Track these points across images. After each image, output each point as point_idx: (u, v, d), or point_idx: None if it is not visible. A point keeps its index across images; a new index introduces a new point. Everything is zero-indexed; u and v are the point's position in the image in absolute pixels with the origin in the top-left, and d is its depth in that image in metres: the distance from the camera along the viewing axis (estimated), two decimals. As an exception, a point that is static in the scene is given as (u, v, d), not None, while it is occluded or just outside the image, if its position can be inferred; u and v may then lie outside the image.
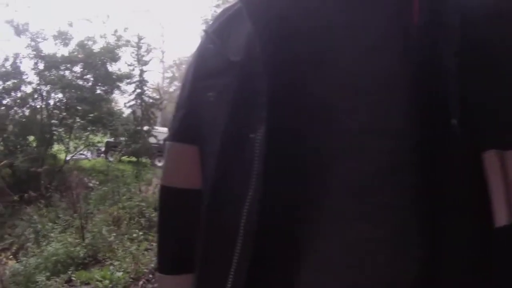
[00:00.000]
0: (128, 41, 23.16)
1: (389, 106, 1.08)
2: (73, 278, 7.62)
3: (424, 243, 1.04)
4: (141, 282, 7.34)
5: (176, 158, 1.41)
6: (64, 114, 19.67)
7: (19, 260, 9.22)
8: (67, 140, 17.69)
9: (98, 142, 21.22)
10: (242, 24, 1.20)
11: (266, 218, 1.09)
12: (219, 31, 1.30)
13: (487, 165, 1.01)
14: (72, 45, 21.85)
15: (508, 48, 1.09)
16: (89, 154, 20.82)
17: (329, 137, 1.10)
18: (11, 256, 9.75)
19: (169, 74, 47.08)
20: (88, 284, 7.18)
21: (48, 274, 7.95)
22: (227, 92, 1.21)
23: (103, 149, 23.69)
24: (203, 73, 1.33)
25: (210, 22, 1.41)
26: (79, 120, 17.36)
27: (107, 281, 6.96)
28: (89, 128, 19.79)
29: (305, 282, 1.10)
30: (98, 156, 20.25)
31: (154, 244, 8.92)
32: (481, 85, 1.04)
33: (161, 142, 20.91)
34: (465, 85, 1.01)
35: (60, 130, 16.71)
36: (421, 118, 1.05)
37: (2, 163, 15.04)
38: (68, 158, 19.50)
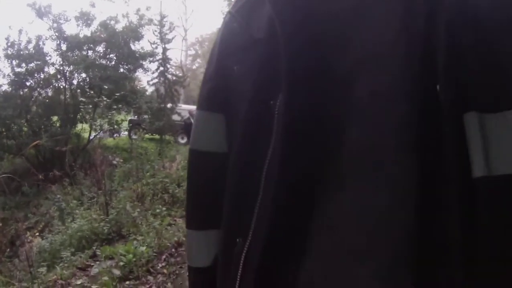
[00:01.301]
0: (150, 20, 23.30)
1: (392, 77, 1.17)
2: (97, 253, 7.69)
3: (420, 194, 1.13)
4: (164, 256, 7.37)
5: (204, 124, 1.55)
6: (91, 92, 19.75)
7: (44, 238, 9.31)
8: (91, 119, 17.77)
9: (122, 120, 21.36)
10: (263, 6, 1.32)
11: (284, 177, 1.20)
12: (242, 11, 1.42)
13: (467, 125, 1.12)
14: (95, 25, 21.99)
15: (497, 17, 1.16)
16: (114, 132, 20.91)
17: (343, 107, 1.19)
18: (37, 234, 9.85)
19: (192, 52, 47.22)
20: (112, 258, 7.22)
21: (73, 250, 8.05)
22: (250, 65, 1.33)
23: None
24: (228, 49, 1.45)
25: (234, 3, 1.50)
26: (105, 99, 17.45)
27: (130, 255, 6.97)
28: (114, 107, 19.88)
29: (317, 234, 1.21)
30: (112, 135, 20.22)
31: (177, 219, 9.04)
32: (467, 55, 1.13)
33: (185, 119, 20.97)
34: (452, 55, 1.12)
35: (85, 107, 16.80)
36: (417, 85, 1.14)
37: (31, 145, 15.16)
38: (92, 137, 19.69)
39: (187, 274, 1.63)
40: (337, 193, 1.19)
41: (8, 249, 8.93)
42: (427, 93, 1.13)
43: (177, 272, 6.94)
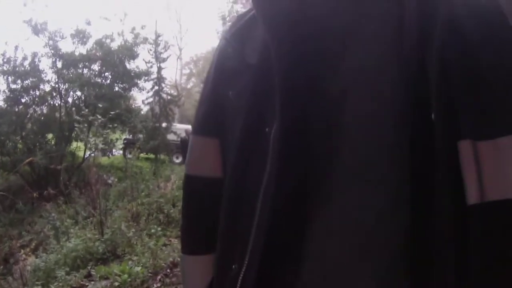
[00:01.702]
0: (145, 39, 23.33)
1: (388, 100, 1.22)
2: (92, 273, 7.65)
3: (412, 214, 1.17)
4: (159, 277, 7.34)
5: (199, 149, 1.57)
6: (86, 111, 19.76)
7: (38, 256, 9.27)
8: (85, 137, 17.76)
9: (117, 139, 21.24)
10: (257, 28, 1.36)
11: (280, 200, 1.23)
12: (237, 36, 1.46)
13: (462, 152, 1.15)
14: (90, 43, 22.03)
15: (488, 46, 1.21)
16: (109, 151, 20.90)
17: (335, 125, 1.24)
18: (30, 253, 9.81)
19: (187, 71, 47.31)
20: (107, 278, 7.19)
21: (67, 269, 7.99)
22: (245, 91, 1.35)
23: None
24: (223, 74, 1.48)
25: (229, 27, 1.55)
26: (100, 117, 17.47)
27: (125, 276, 6.97)
28: (109, 125, 19.89)
29: (311, 256, 1.25)
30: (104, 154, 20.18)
31: (172, 239, 9.02)
32: (460, 85, 1.17)
33: (180, 138, 20.96)
34: (446, 85, 1.16)
35: (80, 126, 16.77)
36: (411, 111, 1.18)
37: (25, 162, 15.13)
38: (86, 155, 19.57)
39: None
40: (330, 210, 1.24)
41: (2, 267, 8.90)
42: (418, 120, 1.17)
43: (172, 293, 6.84)
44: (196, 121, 1.58)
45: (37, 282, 7.77)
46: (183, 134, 20.35)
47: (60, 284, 7.30)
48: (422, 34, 1.19)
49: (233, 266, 1.31)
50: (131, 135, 22.96)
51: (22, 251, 9.91)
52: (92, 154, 18.22)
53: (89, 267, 7.94)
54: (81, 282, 7.36)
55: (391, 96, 1.21)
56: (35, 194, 12.67)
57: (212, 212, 1.45)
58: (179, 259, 8.01)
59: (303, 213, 1.25)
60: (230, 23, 1.60)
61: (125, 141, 23.78)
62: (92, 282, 7.28)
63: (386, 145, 1.21)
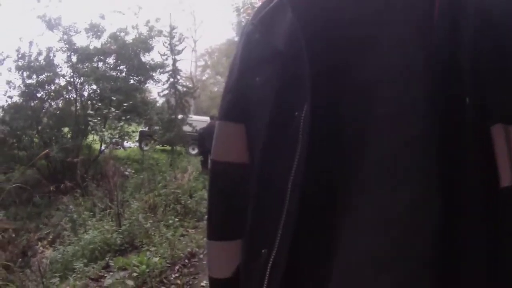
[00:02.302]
0: (160, 31, 23.38)
1: (417, 89, 1.17)
2: (110, 264, 7.69)
3: (443, 204, 1.13)
4: (177, 267, 7.45)
5: (225, 135, 1.55)
6: (99, 104, 19.82)
7: (56, 249, 9.29)
8: (101, 130, 17.80)
9: (133, 131, 21.20)
10: (284, 14, 1.33)
11: (309, 186, 1.21)
12: (264, 22, 1.42)
13: (494, 136, 1.13)
14: (105, 37, 22.10)
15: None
16: (126, 144, 20.97)
17: (365, 115, 1.19)
18: (48, 245, 9.82)
19: (202, 63, 47.31)
20: (125, 269, 7.22)
21: (85, 261, 8.01)
22: (273, 77, 1.33)
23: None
24: (250, 60, 1.45)
25: (254, 13, 1.51)
26: (114, 110, 17.49)
27: (144, 266, 7.00)
28: (123, 118, 19.96)
29: (341, 247, 1.19)
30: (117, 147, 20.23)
31: (190, 230, 9.05)
32: (492, 69, 1.15)
33: (198, 130, 21.01)
34: (479, 68, 1.13)
35: (95, 120, 16.81)
36: (442, 98, 1.15)
37: (40, 155, 15.18)
38: (103, 148, 19.62)
39: (208, 284, 1.61)
40: (361, 202, 1.18)
41: (20, 259, 8.90)
42: (451, 107, 1.15)
43: (190, 282, 6.97)
44: (223, 108, 1.57)
45: (55, 274, 7.79)
46: (199, 126, 20.39)
47: (79, 275, 7.32)
48: (453, 21, 1.17)
49: (263, 251, 1.29)
50: (147, 127, 23.05)
51: (40, 244, 9.91)
52: (109, 147, 18.29)
53: (107, 259, 7.98)
54: (99, 274, 7.39)
55: (421, 85, 1.17)
56: (52, 188, 12.71)
57: (238, 197, 1.45)
58: (197, 249, 8.13)
59: (333, 203, 1.22)
60: (255, 9, 1.55)
61: (141, 133, 23.83)
62: (111, 273, 7.30)
63: (417, 134, 1.16)
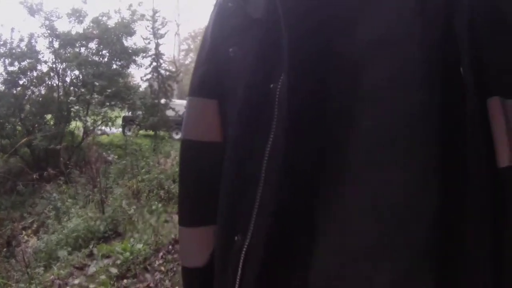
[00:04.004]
0: (143, 15, 23.16)
1: (409, 62, 1.10)
2: (94, 252, 7.69)
3: (439, 184, 1.07)
4: (161, 253, 7.40)
5: (196, 112, 1.45)
6: (82, 90, 19.71)
7: (40, 238, 9.30)
8: (84, 116, 17.70)
9: (116, 117, 21.17)
10: None
11: (288, 166, 1.12)
12: None
13: (491, 110, 1.07)
14: (87, 22, 21.90)
15: None
16: (107, 129, 20.87)
17: (353, 89, 1.12)
18: (32, 234, 9.83)
19: (185, 47, 47.03)
20: (109, 257, 7.23)
21: (69, 249, 8.04)
22: (248, 47, 1.24)
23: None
24: (223, 31, 1.36)
25: None
26: (96, 96, 17.39)
27: (127, 253, 6.99)
28: (106, 104, 19.85)
29: (328, 229, 1.12)
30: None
31: (174, 215, 9.03)
32: (488, 41, 1.09)
33: (182, 114, 20.95)
34: (474, 40, 1.06)
35: (77, 107, 16.73)
36: (438, 72, 1.09)
37: (20, 142, 15.11)
38: (86, 134, 19.48)
39: (181, 275, 1.53)
40: (345, 186, 1.11)
41: (5, 249, 8.91)
42: (447, 77, 1.09)
43: (174, 269, 6.94)
44: (194, 83, 1.46)
45: (39, 263, 7.80)
46: (182, 111, 20.33)
47: (63, 264, 7.35)
48: None
49: (235, 238, 1.20)
50: (130, 112, 22.89)
51: (24, 233, 9.93)
52: (92, 134, 18.21)
53: (91, 246, 7.99)
54: (83, 262, 7.40)
55: (414, 59, 1.10)
56: (35, 176, 12.66)
57: (211, 180, 1.34)
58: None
59: (317, 184, 1.13)
60: None
61: (124, 119, 23.78)
62: (94, 261, 7.31)
63: (410, 109, 1.09)
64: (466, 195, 1.06)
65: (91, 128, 17.51)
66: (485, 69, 1.08)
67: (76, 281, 6.63)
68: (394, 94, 1.10)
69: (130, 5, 23.05)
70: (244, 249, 1.17)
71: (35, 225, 10.48)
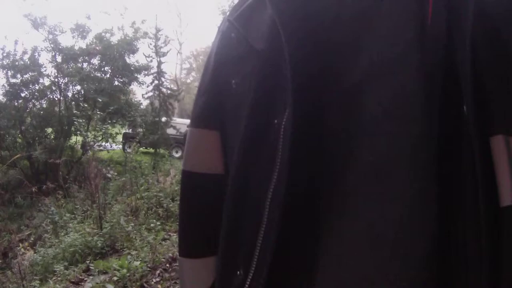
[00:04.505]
0: (145, 33, 23.35)
1: (408, 94, 1.09)
2: (91, 268, 7.64)
3: (437, 221, 1.07)
4: (158, 271, 7.36)
5: (197, 143, 1.44)
6: (85, 105, 19.73)
7: (37, 251, 9.26)
8: (85, 131, 17.71)
9: (116, 133, 21.13)
10: (262, 11, 1.24)
11: (289, 201, 1.10)
12: (241, 19, 1.32)
13: (494, 148, 1.06)
14: (90, 37, 22.02)
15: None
16: (108, 145, 20.87)
17: (352, 121, 1.12)
18: (29, 247, 9.79)
19: (187, 65, 47.19)
20: (106, 273, 7.18)
21: (66, 263, 8.00)
22: (250, 79, 1.22)
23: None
24: (225, 61, 1.35)
25: (230, 10, 1.42)
26: (98, 112, 17.42)
27: (124, 270, 6.95)
28: (108, 120, 19.88)
29: (326, 264, 1.13)
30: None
31: (172, 234, 9.01)
32: (492, 77, 1.09)
33: (184, 133, 20.96)
34: (477, 77, 1.06)
35: (79, 121, 16.75)
36: (437, 105, 1.09)
37: (17, 156, 15.10)
38: (86, 149, 19.47)
39: None
40: (342, 220, 1.12)
41: (1, 261, 8.88)
42: (447, 110, 1.09)
43: (171, 287, 6.86)
44: (195, 113, 1.45)
45: (35, 277, 7.76)
46: (183, 129, 20.36)
47: (59, 278, 7.31)
48: (450, 22, 1.12)
49: (238, 272, 1.20)
50: (130, 129, 23.01)
51: (21, 245, 9.87)
52: (92, 149, 18.20)
53: (87, 262, 7.94)
54: (80, 277, 7.35)
55: (412, 89, 1.09)
56: (34, 189, 12.63)
57: (212, 212, 1.34)
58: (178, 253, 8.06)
59: (316, 218, 1.14)
60: (233, 6, 1.44)
61: (125, 136, 23.81)
62: (91, 277, 7.25)
63: (409, 141, 1.09)
64: (463, 230, 1.07)
65: (92, 143, 17.49)
66: (488, 106, 1.08)
67: (72, 296, 6.57)
68: (391, 125, 1.10)
69: (133, 23, 23.23)
70: (247, 284, 1.16)
71: (32, 238, 10.45)
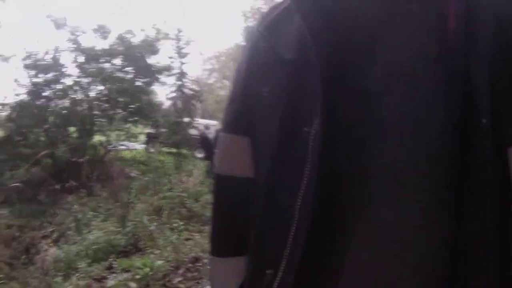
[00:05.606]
0: (167, 34, 23.33)
1: (426, 102, 1.18)
2: (114, 265, 7.65)
3: (452, 225, 1.16)
4: (181, 271, 7.40)
5: (229, 148, 1.52)
6: (106, 105, 19.80)
7: (59, 247, 9.24)
8: (108, 131, 17.78)
9: (139, 133, 21.14)
10: (291, 21, 1.32)
11: (316, 207, 1.20)
12: (270, 30, 1.40)
13: (510, 159, 1.13)
14: (111, 38, 22.06)
15: None
16: (130, 145, 20.97)
17: (375, 125, 1.20)
18: (51, 243, 9.78)
19: (209, 66, 47.17)
20: (128, 271, 7.19)
21: (89, 261, 7.97)
22: (280, 87, 1.31)
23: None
24: (256, 70, 1.42)
25: (259, 19, 1.51)
26: (120, 111, 17.50)
27: (147, 269, 7.00)
28: (130, 119, 19.94)
29: (349, 266, 1.22)
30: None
31: (195, 234, 9.01)
32: (507, 89, 1.15)
33: (201, 133, 21.00)
34: (494, 89, 1.13)
35: (102, 121, 16.83)
36: (454, 113, 1.16)
37: (42, 153, 15.15)
38: (109, 148, 19.56)
39: None
40: (362, 224, 1.20)
41: (24, 256, 8.86)
42: (461, 122, 1.15)
43: (193, 287, 6.87)
44: (227, 119, 1.55)
45: (58, 273, 7.73)
46: (204, 130, 20.39)
47: (82, 275, 7.29)
48: (468, 34, 1.17)
49: (267, 272, 1.27)
50: (153, 130, 22.96)
51: (43, 241, 9.89)
52: (115, 148, 18.26)
53: (110, 259, 7.93)
54: (102, 274, 7.36)
55: (429, 95, 1.17)
56: (57, 186, 12.67)
57: (243, 213, 1.42)
58: (201, 254, 8.09)
59: (342, 220, 1.22)
60: (261, 15, 1.53)
61: (148, 136, 23.83)
62: (114, 274, 7.27)
63: (426, 148, 1.17)
64: (478, 237, 1.14)
65: (114, 142, 17.56)
66: (505, 119, 1.15)
67: (94, 293, 6.57)
68: (406, 130, 1.18)
69: (155, 24, 23.30)
70: (276, 283, 1.25)
71: (55, 235, 10.42)
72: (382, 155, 1.19)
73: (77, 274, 7.38)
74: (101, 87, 21.25)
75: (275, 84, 1.32)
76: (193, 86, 27.43)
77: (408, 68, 1.19)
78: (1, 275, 7.23)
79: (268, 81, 1.35)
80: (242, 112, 1.47)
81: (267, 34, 1.40)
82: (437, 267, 1.17)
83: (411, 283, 1.18)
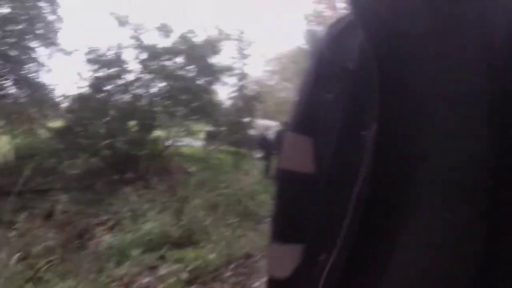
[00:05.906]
0: (229, 35, 23.41)
1: (473, 116, 1.27)
2: (166, 256, 7.73)
3: (487, 228, 1.22)
4: (232, 266, 7.45)
5: (294, 146, 1.66)
6: (168, 102, 19.95)
7: (114, 235, 9.31)
8: (168, 127, 17.90)
9: (199, 131, 21.32)
10: (355, 34, 1.43)
11: (372, 202, 1.30)
12: (335, 41, 1.55)
13: None
14: (174, 37, 22.22)
15: None
16: (190, 142, 21.12)
17: (425, 129, 1.30)
18: (105, 231, 9.87)
19: (270, 68, 47.18)
20: (180, 262, 7.27)
21: (142, 249, 8.01)
22: (342, 94, 1.43)
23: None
24: (321, 76, 1.56)
25: (326, 32, 1.65)
26: (181, 108, 17.62)
27: (199, 261, 7.09)
28: (191, 117, 20.06)
29: (394, 261, 1.30)
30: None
31: (248, 231, 8.95)
32: None
33: (260, 134, 21.02)
34: None
35: (163, 116, 16.93)
36: (497, 125, 1.23)
37: (103, 143, 15.36)
38: (168, 144, 19.75)
39: (266, 285, 1.71)
40: (412, 222, 1.28)
41: (77, 241, 8.95)
42: (507, 134, 1.21)
43: (243, 283, 6.93)
44: (293, 120, 1.69)
45: (110, 259, 7.78)
46: (264, 131, 20.39)
47: (135, 262, 7.32)
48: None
49: (321, 257, 1.39)
50: (214, 128, 23.06)
51: (98, 228, 9.99)
52: (174, 144, 18.39)
53: (163, 250, 7.99)
54: (155, 263, 7.42)
55: (477, 104, 1.25)
56: (115, 177, 12.80)
57: (302, 205, 1.57)
58: (254, 251, 8.02)
59: (391, 218, 1.33)
60: (328, 26, 1.68)
61: (208, 133, 23.94)
62: (166, 264, 7.33)
63: (471, 157, 1.25)
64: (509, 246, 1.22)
65: (174, 138, 17.67)
66: None
67: (145, 280, 6.70)
68: (455, 136, 1.27)
69: (217, 24, 23.42)
70: (329, 265, 1.36)
71: (110, 223, 10.50)
72: (431, 157, 1.27)
73: (129, 262, 7.41)
74: (162, 84, 21.44)
75: (339, 91, 1.45)
76: (254, 87, 27.53)
77: (460, 74, 1.29)
78: (55, 256, 7.29)
79: (331, 88, 1.48)
80: (307, 115, 1.61)
81: (332, 45, 1.55)
82: (474, 269, 1.23)
83: (452, 283, 1.25)
